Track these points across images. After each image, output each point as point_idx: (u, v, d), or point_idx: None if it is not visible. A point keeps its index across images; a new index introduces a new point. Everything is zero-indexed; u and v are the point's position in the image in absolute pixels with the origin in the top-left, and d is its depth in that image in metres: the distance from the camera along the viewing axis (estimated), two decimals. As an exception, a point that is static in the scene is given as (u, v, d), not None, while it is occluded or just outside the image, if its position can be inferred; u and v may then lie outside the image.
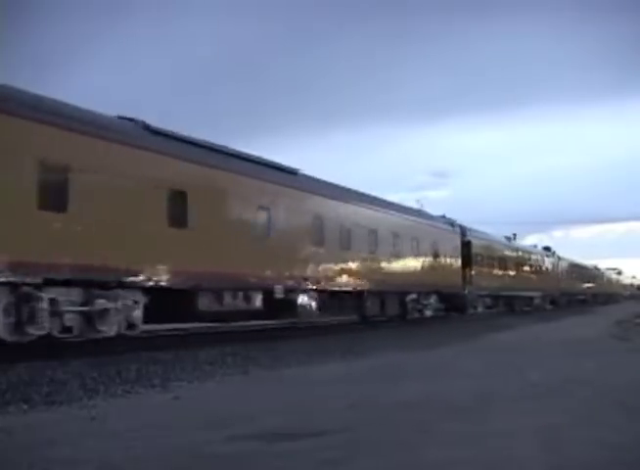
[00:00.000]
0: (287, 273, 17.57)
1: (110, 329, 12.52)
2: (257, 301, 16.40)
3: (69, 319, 11.83)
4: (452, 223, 31.12)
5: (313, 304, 18.80)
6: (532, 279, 45.45)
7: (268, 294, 16.67)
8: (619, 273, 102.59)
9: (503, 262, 38.76)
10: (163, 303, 13.67)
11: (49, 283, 11.27)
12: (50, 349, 12.43)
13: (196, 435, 5.63)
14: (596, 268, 78.65)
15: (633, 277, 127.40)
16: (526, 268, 44.51)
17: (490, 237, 37.85)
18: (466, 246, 31.76)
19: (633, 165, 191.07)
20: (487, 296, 35.13)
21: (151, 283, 13.27)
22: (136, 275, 12.98)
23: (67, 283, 11.67)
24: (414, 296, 25.75)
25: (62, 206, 11.60)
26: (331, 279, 19.64)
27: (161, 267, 13.59)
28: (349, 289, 20.70)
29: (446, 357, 12.91)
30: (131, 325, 13.12)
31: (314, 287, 18.75)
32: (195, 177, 14.59)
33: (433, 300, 27.58)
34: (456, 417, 6.28)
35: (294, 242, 17.96)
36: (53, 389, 8.12)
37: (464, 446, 5.09)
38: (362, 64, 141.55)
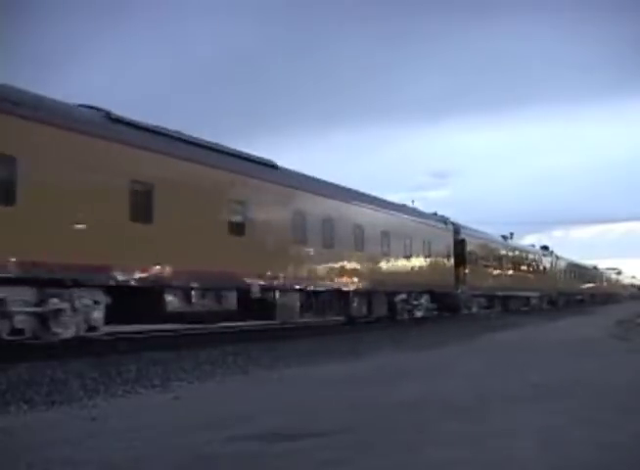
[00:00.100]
0: (264, 272, 16.68)
1: (65, 331, 11.79)
2: (231, 300, 15.51)
3: (21, 321, 11.11)
4: (445, 221, 30.30)
5: (294, 304, 17.99)
6: (529, 279, 44.76)
7: (244, 293, 15.84)
8: (619, 273, 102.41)
9: (499, 262, 38.05)
10: (128, 302, 12.93)
11: None
12: (50, 349, 12.44)
13: (196, 435, 5.63)
14: (595, 268, 77.88)
15: (633, 277, 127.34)
16: (523, 268, 43.76)
17: (485, 235, 36.98)
18: (459, 244, 30.92)
19: (633, 165, 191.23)
20: (482, 296, 34.36)
21: (112, 281, 12.43)
22: (95, 273, 12.10)
23: (18, 282, 10.96)
24: (404, 296, 24.95)
25: (10, 198, 10.86)
26: (313, 278, 18.82)
27: (124, 265, 12.72)
28: (333, 289, 19.91)
29: (446, 358, 12.91)
30: (92, 327, 12.38)
31: (295, 286, 17.97)
32: (162, 169, 13.76)
33: (424, 300, 26.79)
34: (456, 417, 6.29)
35: (272, 239, 17.00)
36: (53, 389, 8.13)
37: (464, 447, 5.09)
38: (362, 64, 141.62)
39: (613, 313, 38.06)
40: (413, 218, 26.50)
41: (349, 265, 20.77)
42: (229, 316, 16.29)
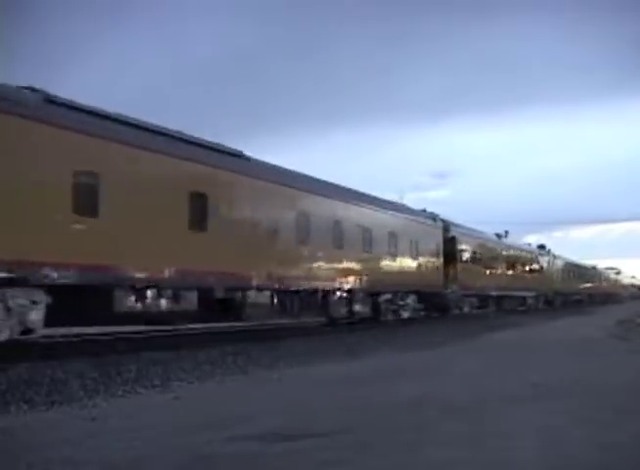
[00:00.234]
0: (230, 270, 15.40)
1: None
2: (191, 300, 14.44)
3: None
4: (434, 218, 29.01)
5: (265, 304, 16.91)
6: (525, 278, 43.64)
7: (207, 293, 14.81)
8: (618, 273, 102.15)
9: (492, 260, 36.73)
10: (73, 302, 11.91)
11: None
12: (50, 349, 12.45)
13: (196, 435, 5.63)
14: (594, 268, 76.74)
15: (633, 277, 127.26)
16: (518, 267, 42.55)
17: (478, 233, 35.56)
18: (450, 242, 29.60)
19: (633, 165, 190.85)
20: (475, 295, 33.19)
21: (47, 280, 11.29)
22: (32, 270, 11.03)
23: None
24: (388, 296, 23.74)
25: None
26: (287, 277, 17.55)
27: (66, 262, 11.57)
28: (310, 288, 18.74)
29: (444, 358, 12.92)
30: (29, 329, 11.43)
31: (266, 285, 16.79)
32: (109, 156, 12.59)
33: (410, 300, 25.54)
34: (455, 417, 6.29)
35: (240, 235, 15.70)
36: (53, 389, 8.13)
37: (463, 447, 5.09)
38: (362, 64, 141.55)
39: (612, 313, 38.07)
40: (398, 214, 25.16)
41: (328, 264, 19.63)
42: (189, 317, 15.17)
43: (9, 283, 10.80)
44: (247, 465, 4.74)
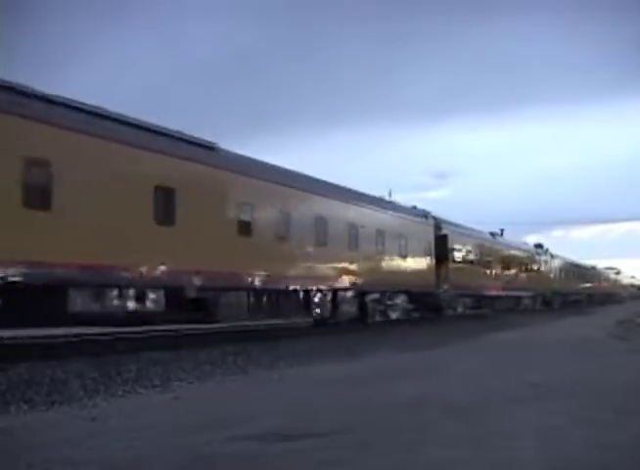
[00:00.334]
0: (202, 268, 14.57)
1: None
2: (158, 300, 13.67)
3: None
4: (425, 215, 28.12)
5: (241, 304, 16.14)
6: (521, 278, 42.60)
7: (176, 292, 14.03)
8: (618, 273, 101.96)
9: (487, 259, 35.72)
10: (23, 303, 11.26)
11: None
12: (50, 349, 12.45)
13: (196, 435, 5.63)
14: (593, 268, 75.87)
15: (632, 277, 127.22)
16: (514, 266, 41.53)
17: (471, 231, 34.47)
18: (441, 240, 28.54)
19: (633, 165, 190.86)
20: (469, 296, 32.30)
21: None
22: None
23: None
24: (376, 295, 22.94)
25: None
26: (265, 275, 16.67)
27: (13, 258, 10.85)
28: (290, 287, 17.96)
29: (444, 358, 12.92)
30: None
31: (242, 285, 16.02)
32: (63, 145, 11.82)
33: (399, 300, 24.66)
34: (455, 417, 6.29)
35: (211, 230, 14.93)
36: (53, 389, 8.13)
37: (464, 447, 5.09)
38: (362, 64, 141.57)
39: (612, 313, 38.07)
40: (386, 211, 24.28)
41: (310, 261, 18.79)
42: (156, 318, 14.34)
43: None
44: (247, 465, 4.73)
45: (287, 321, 19.90)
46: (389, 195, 28.95)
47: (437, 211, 30.43)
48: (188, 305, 14.49)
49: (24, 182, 11.12)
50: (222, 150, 16.13)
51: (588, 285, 68.96)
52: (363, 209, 22.15)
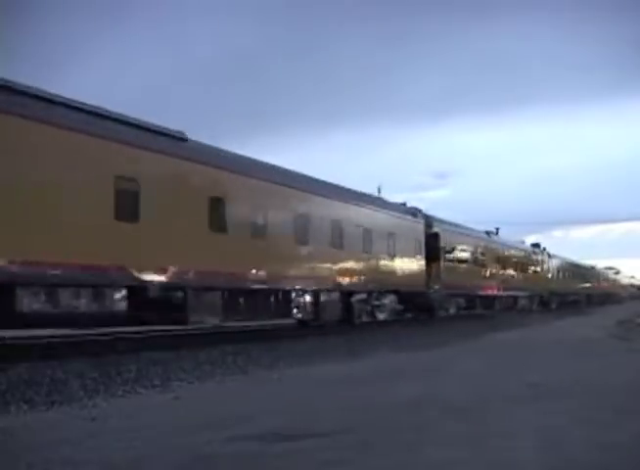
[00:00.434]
0: (168, 266, 13.70)
1: None
2: (119, 301, 12.92)
3: None
4: (414, 212, 27.12)
5: (214, 305, 15.17)
6: (517, 278, 41.63)
7: (139, 292, 13.13)
8: (617, 273, 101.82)
9: (481, 258, 34.76)
10: None
11: None
12: (50, 349, 12.45)
13: (196, 435, 5.63)
14: (592, 267, 75.16)
15: (632, 277, 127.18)
16: (510, 266, 40.64)
17: (464, 230, 33.44)
18: (432, 238, 27.56)
19: (633, 165, 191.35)
20: (461, 296, 31.39)
21: None
22: None
23: None
24: (363, 296, 22.03)
25: None
26: (239, 274, 15.75)
27: None
28: (269, 287, 17.09)
29: (444, 358, 12.92)
30: None
31: (215, 284, 15.08)
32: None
33: (388, 300, 23.68)
34: (456, 417, 6.29)
35: (180, 226, 13.98)
36: (53, 389, 8.13)
37: (464, 447, 5.09)
38: (362, 64, 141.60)
39: (612, 313, 38.08)
40: (374, 208, 23.28)
41: (289, 260, 17.86)
42: (116, 320, 13.37)
43: None
44: (247, 465, 4.73)
45: (266, 323, 19.27)
46: (379, 191, 27.68)
47: (438, 212, 30.13)
48: (153, 305, 13.48)
49: None
50: (194, 141, 15.29)
51: (587, 285, 68.30)
52: (348, 205, 21.27)
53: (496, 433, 5.58)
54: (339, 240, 20.31)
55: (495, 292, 36.67)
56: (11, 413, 6.82)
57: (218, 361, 11.34)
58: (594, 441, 5.23)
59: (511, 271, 40.78)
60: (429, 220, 28.03)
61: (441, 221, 29.77)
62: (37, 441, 5.52)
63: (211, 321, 15.77)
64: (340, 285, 20.29)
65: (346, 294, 20.94)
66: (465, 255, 32.29)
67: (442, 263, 28.50)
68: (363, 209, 22.26)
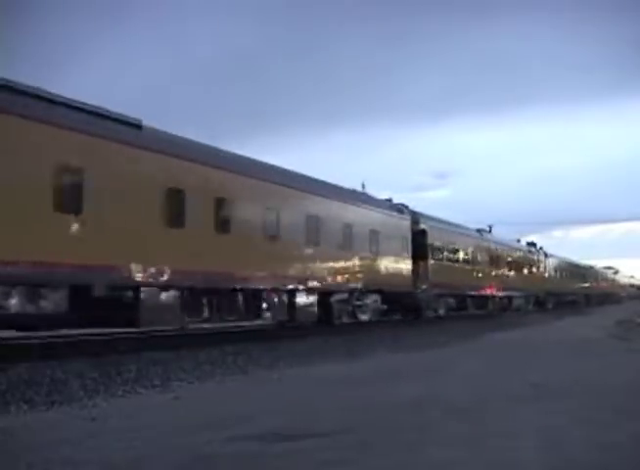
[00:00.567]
0: (116, 263, 12.58)
1: None
2: (58, 301, 11.63)
3: None
4: (400, 209, 25.90)
5: (170, 305, 13.99)
6: (512, 277, 40.58)
7: (83, 291, 11.96)
8: (616, 272, 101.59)
9: (472, 257, 33.63)
10: None
11: None
12: (50, 349, 12.45)
13: (196, 435, 5.63)
14: (590, 267, 74.14)
15: (631, 277, 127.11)
16: (504, 265, 39.53)
17: (454, 227, 32.26)
18: (420, 236, 26.45)
19: (633, 165, 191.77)
20: (451, 296, 30.35)
21: None
22: None
23: None
24: (343, 296, 20.99)
25: None
26: (202, 273, 14.59)
27: None
28: (236, 286, 15.98)
29: (444, 358, 12.92)
30: None
31: (172, 283, 13.86)
32: None
33: (370, 300, 22.62)
34: (456, 418, 6.29)
35: (131, 220, 12.92)
36: (53, 389, 8.13)
37: (464, 447, 5.09)
38: (362, 64, 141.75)
39: (611, 314, 38.08)
40: (355, 203, 22.14)
41: (258, 257, 16.60)
42: (56, 322, 12.17)
43: None
44: (247, 465, 4.74)
45: (233, 325, 18.44)
46: (363, 188, 26.12)
47: (438, 212, 29.26)
48: (100, 306, 12.36)
49: None
50: (150, 129, 14.12)
51: (585, 285, 67.58)
52: (326, 199, 20.12)
53: (497, 433, 5.58)
54: (315, 236, 19.21)
55: (488, 292, 35.80)
56: (11, 413, 6.82)
57: (218, 361, 11.34)
58: (594, 441, 5.24)
59: (505, 271, 39.83)
60: (415, 217, 26.97)
61: (429, 218, 28.83)
62: (37, 441, 5.52)
63: (169, 324, 14.99)
64: (316, 284, 19.15)
65: (325, 293, 19.88)
66: (455, 253, 31.31)
67: (430, 262, 27.52)
68: (343, 203, 21.19)
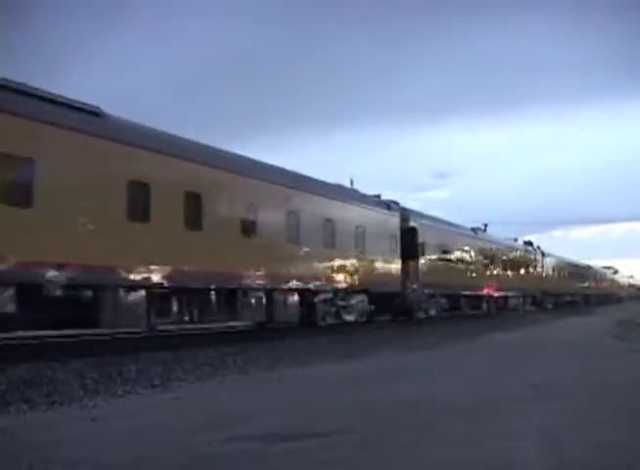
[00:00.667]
0: (72, 261, 11.76)
1: None
2: (6, 301, 10.86)
3: None
4: (389, 205, 24.90)
5: (137, 306, 13.32)
6: (507, 277, 39.94)
7: (33, 290, 11.19)
8: (615, 272, 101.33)
9: (466, 256, 33.05)
10: None
11: None
12: (50, 349, 12.45)
13: (196, 435, 5.63)
14: (589, 267, 73.55)
15: (631, 277, 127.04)
16: (499, 264, 38.87)
17: (447, 225, 31.53)
18: (409, 234, 25.41)
19: (633, 166, 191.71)
20: (443, 296, 29.57)
21: None
22: None
23: None
24: (328, 296, 20.23)
25: None
26: (170, 271, 13.88)
27: None
28: (208, 286, 15.38)
29: (444, 358, 12.92)
30: None
31: (136, 282, 13.17)
32: None
33: (355, 301, 21.84)
34: (456, 418, 6.28)
35: (88, 213, 12.12)
36: (53, 389, 8.13)
37: (465, 447, 5.09)
38: (362, 64, 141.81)
39: (611, 314, 38.08)
40: (340, 198, 21.32)
41: (234, 255, 15.86)
42: (2, 323, 11.22)
43: None
44: (247, 465, 4.73)
45: (208, 326, 17.72)
46: (351, 183, 25.18)
47: (438, 212, 29.19)
48: (53, 306, 11.63)
49: None
50: (111, 116, 13.26)
51: (584, 285, 66.96)
52: (306, 193, 19.23)
53: (497, 433, 5.58)
54: (295, 233, 18.43)
55: (482, 292, 35.13)
56: (11, 413, 6.82)
57: (218, 361, 11.34)
58: (594, 441, 5.23)
59: (500, 270, 39.12)
60: (405, 214, 25.98)
61: (420, 215, 27.97)
62: (37, 441, 5.52)
63: (134, 325, 14.13)
64: (297, 283, 18.40)
65: (307, 294, 19.14)
66: (447, 252, 30.48)
67: (421, 261, 26.66)
68: (324, 199, 20.25)
